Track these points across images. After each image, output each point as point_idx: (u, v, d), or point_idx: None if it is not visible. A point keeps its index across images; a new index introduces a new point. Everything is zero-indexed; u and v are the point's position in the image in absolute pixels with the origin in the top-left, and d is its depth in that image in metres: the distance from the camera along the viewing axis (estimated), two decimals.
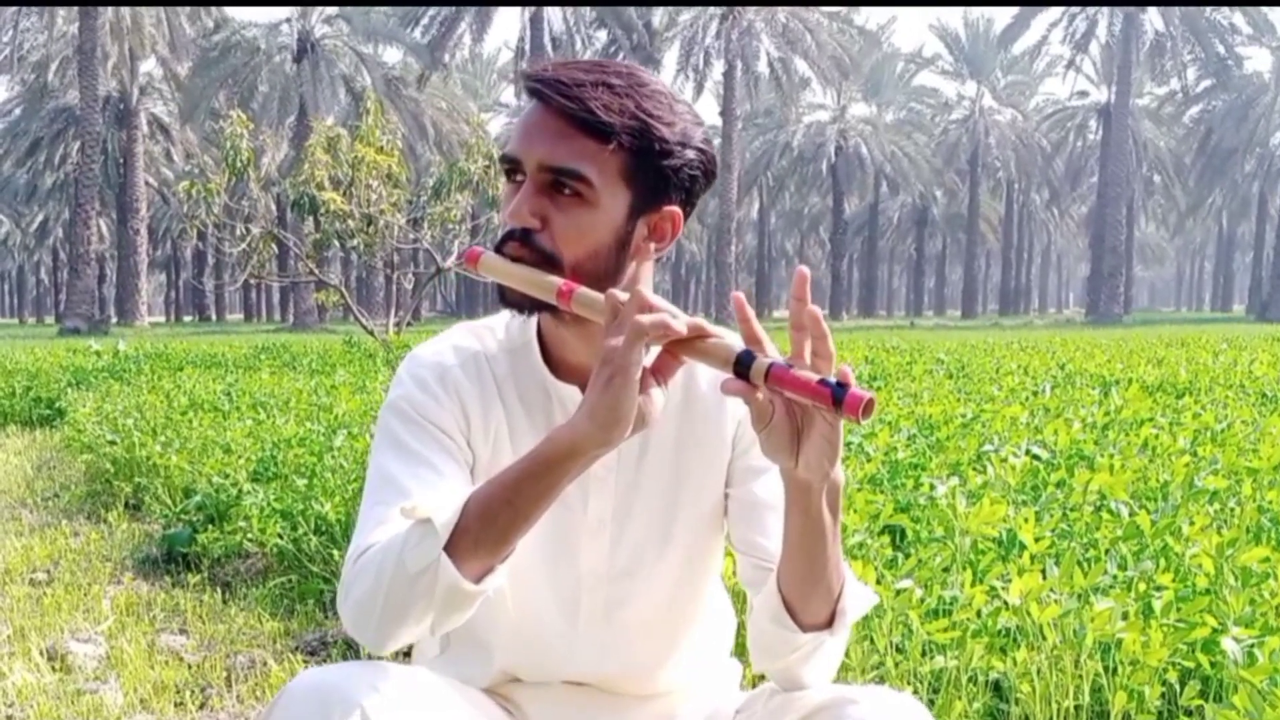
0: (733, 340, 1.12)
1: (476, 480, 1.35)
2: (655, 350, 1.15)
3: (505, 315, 1.40)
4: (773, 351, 1.10)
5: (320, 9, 42.53)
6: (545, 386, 1.37)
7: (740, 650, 1.66)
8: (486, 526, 1.15)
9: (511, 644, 1.43)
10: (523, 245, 1.25)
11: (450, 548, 1.15)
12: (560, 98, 1.22)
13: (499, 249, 1.27)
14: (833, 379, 1.05)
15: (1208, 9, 45.11)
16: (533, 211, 1.24)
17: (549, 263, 1.24)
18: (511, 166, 1.27)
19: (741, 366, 1.09)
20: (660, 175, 1.26)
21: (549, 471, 1.14)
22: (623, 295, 1.14)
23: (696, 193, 1.31)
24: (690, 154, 1.27)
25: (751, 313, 1.12)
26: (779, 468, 1.18)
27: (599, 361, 1.12)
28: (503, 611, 1.40)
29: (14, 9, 39.22)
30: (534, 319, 1.35)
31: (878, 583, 2.31)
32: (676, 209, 1.29)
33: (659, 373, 1.14)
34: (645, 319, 1.10)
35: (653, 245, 1.30)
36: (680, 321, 1.11)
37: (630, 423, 1.12)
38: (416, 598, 1.17)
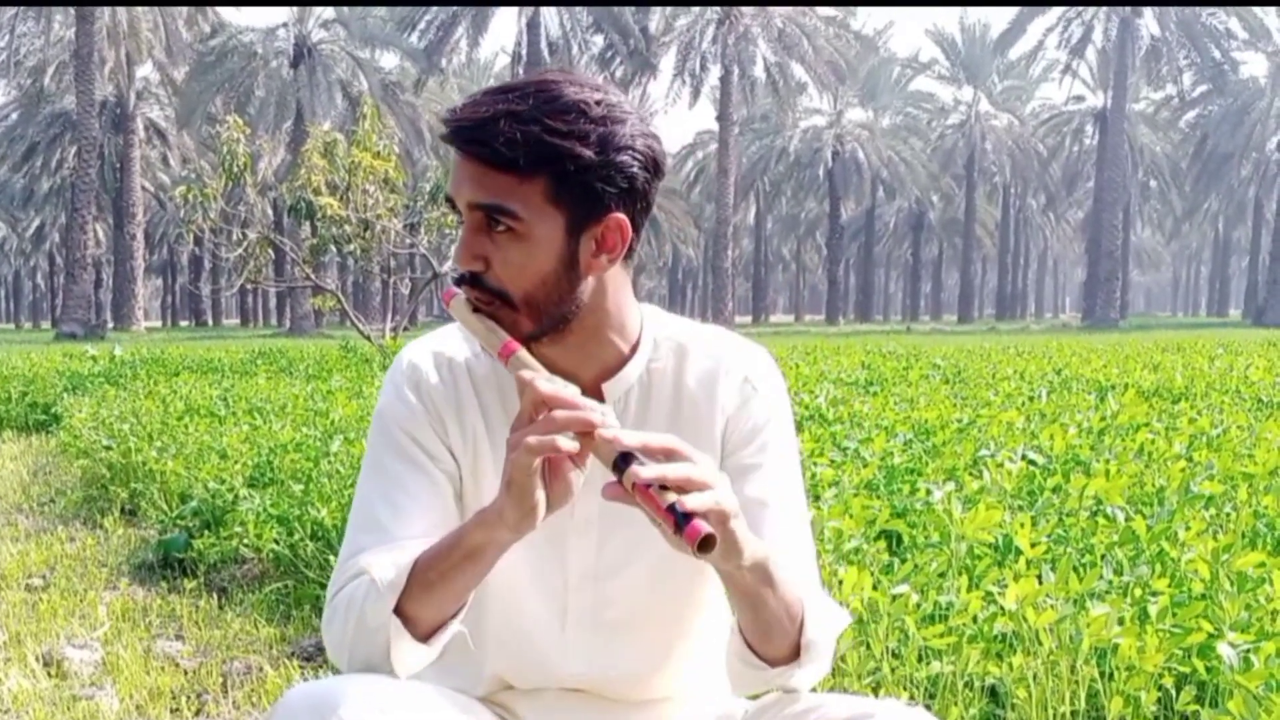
0: (622, 438, 1.15)
1: (465, 487, 1.38)
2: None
3: None
4: (663, 443, 1.15)
5: (317, 14, 42.60)
6: None
7: None
8: (425, 594, 1.25)
9: (503, 649, 1.43)
10: (474, 287, 1.28)
11: (399, 609, 1.24)
12: (464, 142, 1.23)
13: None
14: (683, 508, 1.09)
15: (1204, 14, 45.20)
16: (474, 254, 1.26)
17: (502, 299, 1.27)
18: (452, 206, 1.29)
19: (618, 471, 1.14)
20: (588, 190, 1.23)
21: (471, 557, 1.23)
22: (528, 376, 1.19)
23: (640, 191, 1.27)
24: (621, 158, 1.23)
25: (644, 439, 1.16)
26: None
27: (506, 457, 1.17)
28: (492, 618, 1.41)
29: (11, 13, 39.22)
30: None
31: (874, 589, 2.31)
32: (620, 215, 1.26)
33: (573, 457, 1.17)
34: (533, 440, 1.14)
35: (604, 258, 1.28)
36: (567, 436, 1.15)
37: (538, 516, 1.18)
38: (378, 647, 1.26)
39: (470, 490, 1.38)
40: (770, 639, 1.28)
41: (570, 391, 1.18)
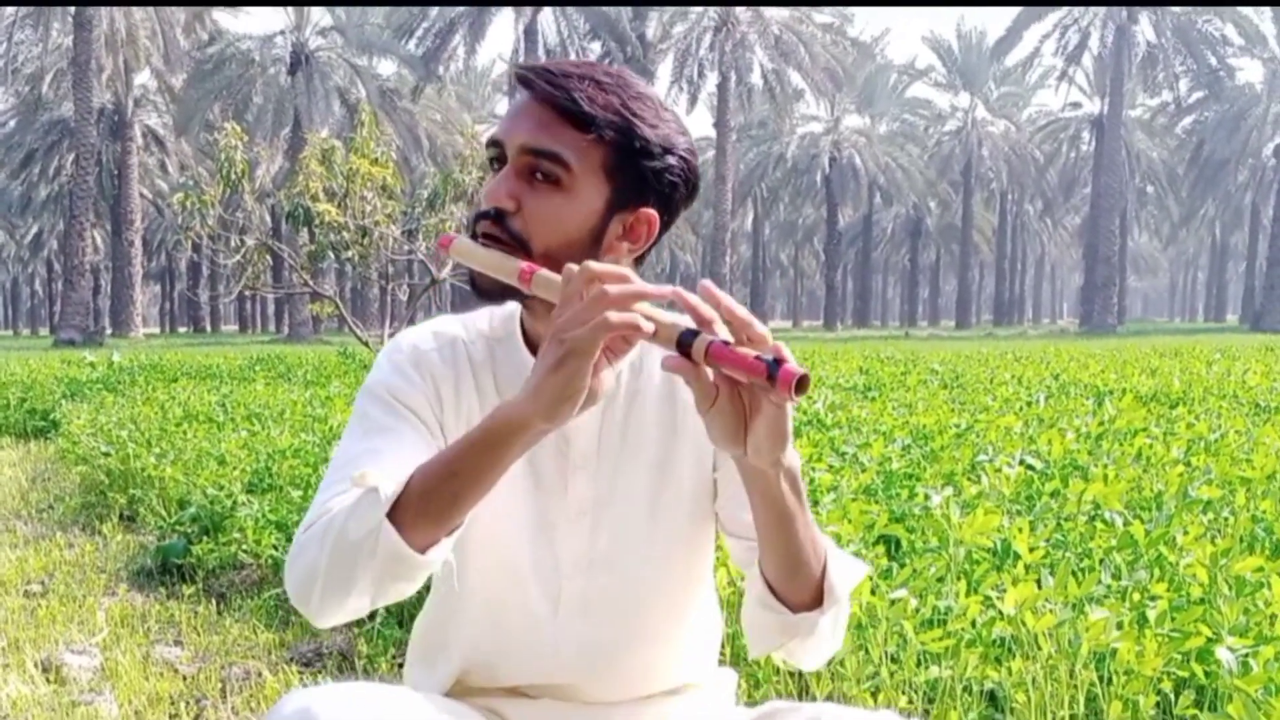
0: (679, 320, 1.11)
1: None
2: None
3: (489, 309, 1.42)
4: (723, 333, 1.09)
5: (315, 21, 42.67)
6: (524, 375, 1.36)
7: (734, 659, 1.66)
8: (429, 497, 1.15)
9: (490, 637, 1.40)
10: (495, 224, 1.26)
11: (394, 516, 1.14)
12: (547, 85, 1.24)
13: (472, 230, 1.28)
14: (777, 354, 1.06)
15: (1200, 20, 45.29)
16: (509, 193, 1.25)
17: (520, 246, 1.25)
18: (496, 152, 1.28)
19: (683, 345, 1.09)
20: (640, 176, 1.27)
21: (491, 448, 1.13)
22: (575, 267, 1.12)
23: (677, 201, 1.31)
24: (672, 160, 1.28)
25: (698, 300, 1.09)
26: (731, 457, 1.18)
27: (549, 338, 1.10)
28: (481, 604, 1.39)
29: (9, 20, 39.25)
30: (517, 314, 1.37)
31: (872, 593, 2.31)
32: (653, 212, 1.29)
33: (610, 350, 1.12)
34: (614, 317, 1.07)
35: (626, 245, 1.29)
36: (646, 320, 1.09)
37: (576, 405, 1.10)
38: (358, 567, 1.16)
39: None
40: (795, 575, 1.26)
41: (622, 270, 1.12)
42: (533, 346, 1.37)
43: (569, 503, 1.36)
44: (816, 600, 1.28)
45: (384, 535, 1.13)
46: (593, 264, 1.10)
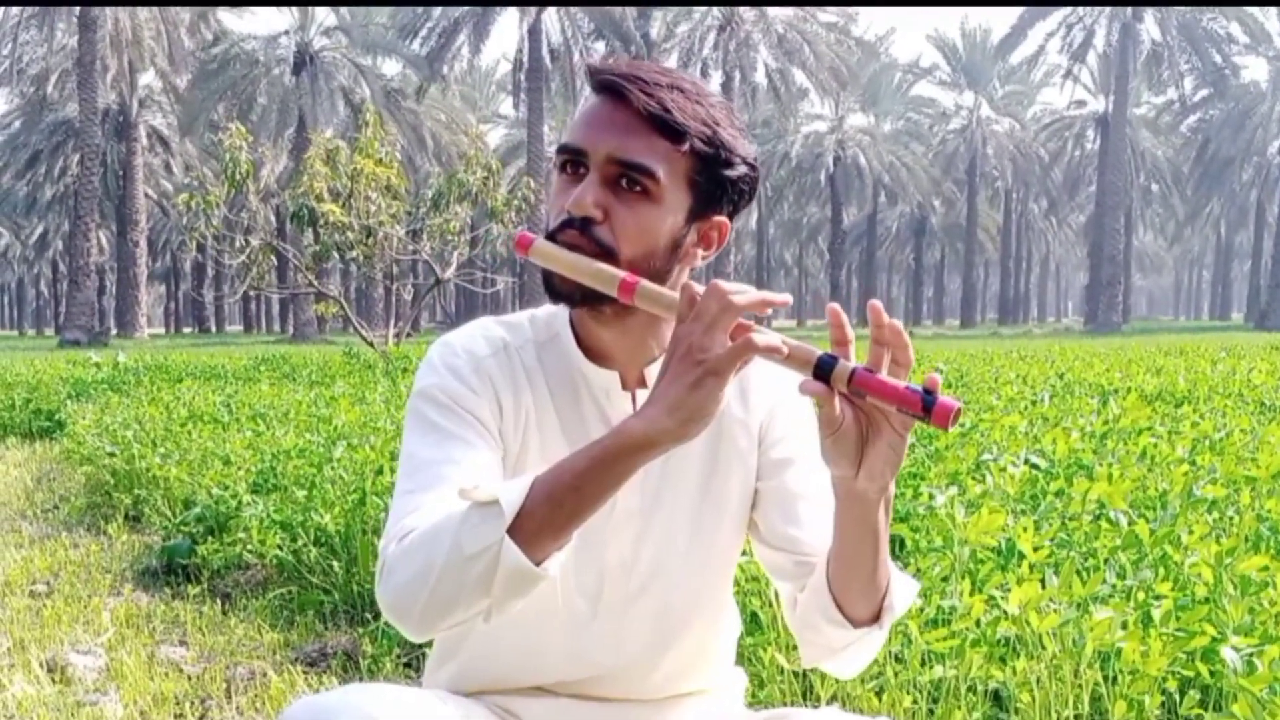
0: (811, 345, 1.12)
1: (506, 473, 1.34)
2: None
3: (528, 312, 1.41)
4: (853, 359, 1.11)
5: (319, 21, 42.73)
6: (574, 379, 1.36)
7: (739, 658, 1.66)
8: (552, 512, 1.13)
9: (522, 634, 1.40)
10: (581, 235, 1.24)
11: (513, 530, 1.12)
12: (641, 94, 1.23)
13: (552, 236, 1.26)
14: (931, 385, 1.06)
15: (1205, 18, 45.25)
16: (596, 202, 1.24)
17: (605, 256, 1.24)
18: (572, 157, 1.27)
19: (822, 370, 1.09)
20: (719, 184, 1.28)
21: (618, 462, 1.13)
22: (699, 288, 1.13)
23: (741, 208, 1.33)
24: (745, 169, 1.29)
25: (846, 319, 1.12)
26: (833, 477, 1.19)
27: (680, 358, 1.11)
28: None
29: (14, 21, 39.32)
30: (563, 314, 1.37)
31: None
32: (725, 219, 1.31)
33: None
34: (759, 340, 1.09)
35: (700, 252, 1.31)
36: (780, 339, 1.11)
37: (711, 422, 1.12)
38: (470, 581, 1.14)
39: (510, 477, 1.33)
40: (865, 594, 1.28)
41: (744, 287, 1.13)
42: (585, 349, 1.37)
43: (617, 508, 1.36)
44: (875, 615, 1.30)
45: (505, 550, 1.12)
46: (722, 284, 1.12)
